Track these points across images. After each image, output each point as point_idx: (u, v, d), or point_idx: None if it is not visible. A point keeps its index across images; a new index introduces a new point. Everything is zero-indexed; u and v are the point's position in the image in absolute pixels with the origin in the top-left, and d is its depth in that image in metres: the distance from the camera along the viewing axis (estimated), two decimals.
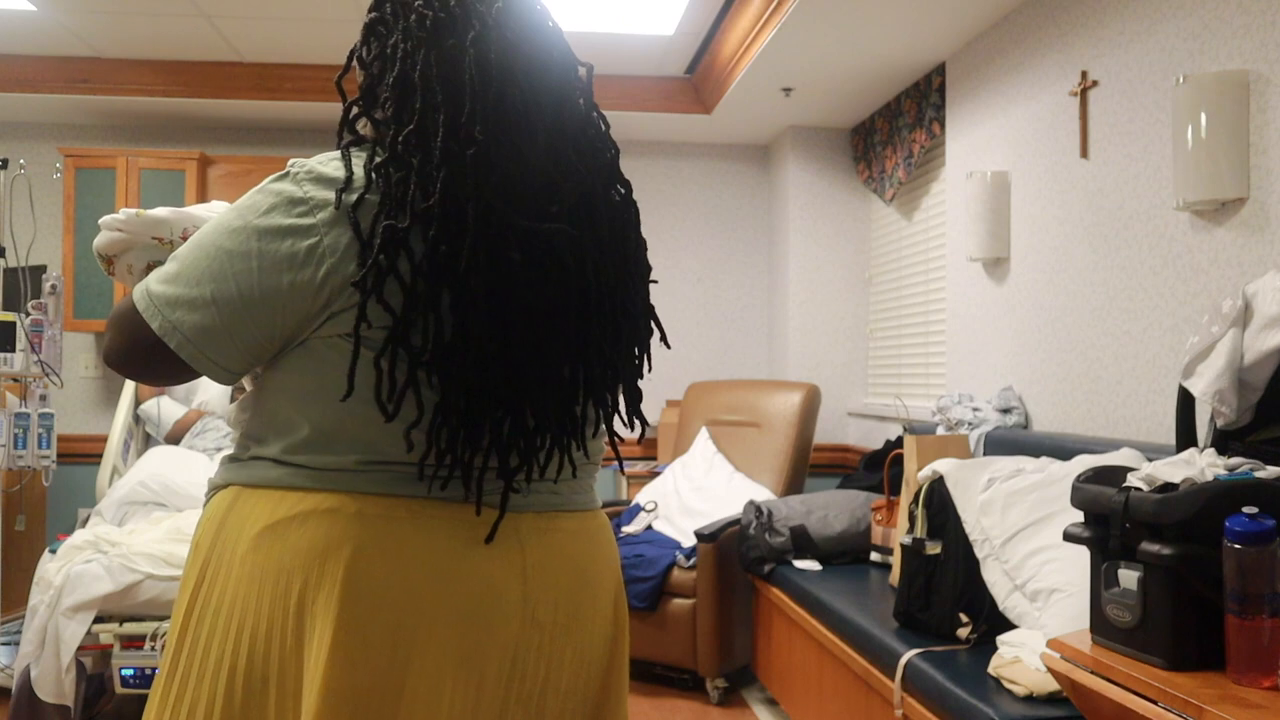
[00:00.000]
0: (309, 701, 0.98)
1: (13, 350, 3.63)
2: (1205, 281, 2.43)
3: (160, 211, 1.20)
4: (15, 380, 3.79)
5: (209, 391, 4.27)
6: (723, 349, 5.12)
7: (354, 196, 1.02)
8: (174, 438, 4.13)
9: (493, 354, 1.02)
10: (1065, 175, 3.03)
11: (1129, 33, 2.73)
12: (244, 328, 1.03)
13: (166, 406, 4.16)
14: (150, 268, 1.20)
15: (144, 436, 4.27)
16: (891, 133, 4.37)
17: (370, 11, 1.13)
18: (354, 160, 1.05)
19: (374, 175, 1.02)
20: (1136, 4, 2.70)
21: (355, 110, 1.11)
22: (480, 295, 1.00)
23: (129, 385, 4.17)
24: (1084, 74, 2.91)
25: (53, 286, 3.74)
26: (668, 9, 3.81)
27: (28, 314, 3.68)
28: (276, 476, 1.05)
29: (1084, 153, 2.92)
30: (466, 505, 1.04)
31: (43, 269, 4.03)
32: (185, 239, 1.18)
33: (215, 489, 1.12)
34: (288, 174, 1.06)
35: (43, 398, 3.71)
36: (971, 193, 3.41)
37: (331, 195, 1.02)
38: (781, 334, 4.97)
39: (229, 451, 1.14)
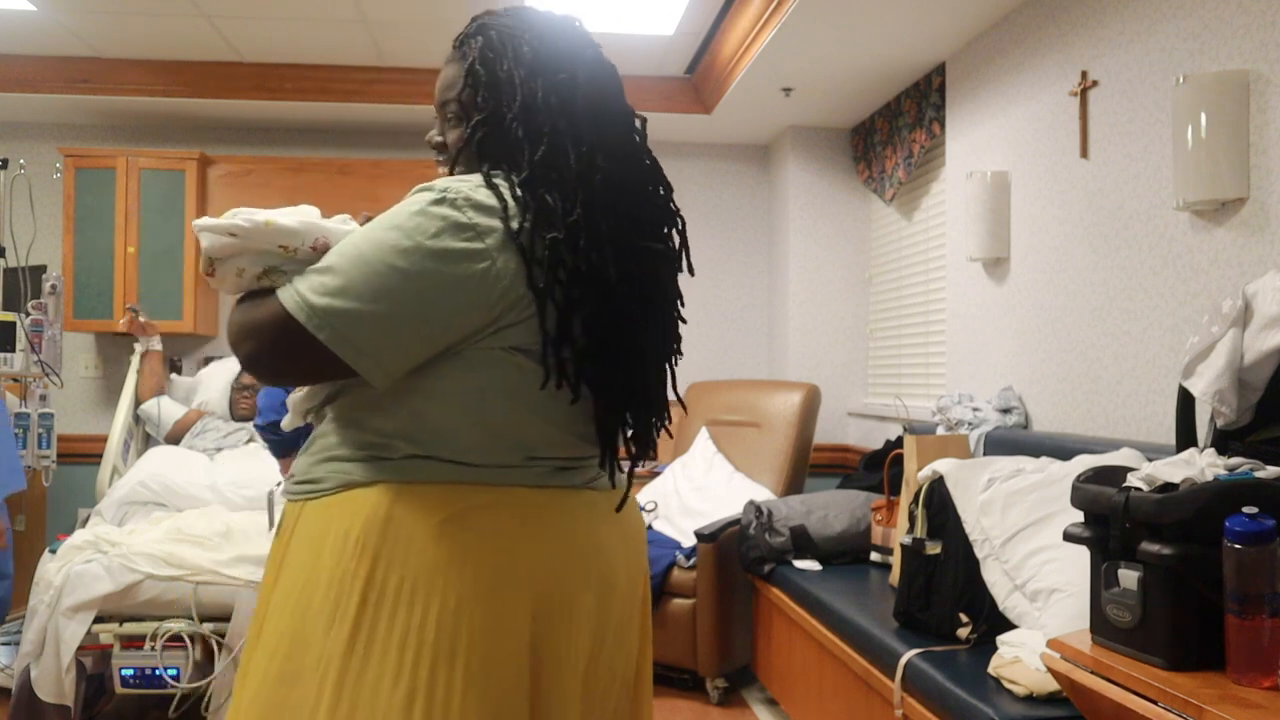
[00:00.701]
0: (515, 650, 1.13)
1: (13, 350, 3.64)
2: (1205, 281, 2.43)
3: (290, 222, 1.17)
4: (15, 380, 3.80)
5: (210, 391, 4.27)
6: (723, 349, 5.12)
7: (515, 224, 1.14)
8: (174, 438, 4.13)
9: (633, 356, 1.20)
10: (1065, 175, 3.03)
11: (1129, 33, 2.73)
12: (414, 341, 1.12)
13: (167, 407, 4.16)
14: (266, 274, 1.17)
15: (144, 436, 4.27)
16: (891, 133, 4.37)
17: (475, 36, 1.28)
18: (501, 188, 1.16)
19: (526, 200, 1.15)
20: (1136, 4, 2.70)
21: (481, 131, 1.23)
22: (624, 302, 1.18)
23: (129, 385, 4.16)
24: (1084, 74, 2.91)
25: (53, 286, 3.75)
26: (668, 9, 3.81)
27: (28, 314, 3.68)
28: (448, 473, 1.14)
29: (1084, 153, 2.92)
30: (592, 491, 1.23)
31: (43, 269, 4.03)
32: (316, 249, 1.17)
33: (347, 485, 1.16)
34: (445, 199, 1.14)
35: (43, 398, 3.71)
36: (971, 193, 3.41)
37: (495, 223, 1.13)
38: (781, 334, 4.97)
39: (344, 450, 1.18)
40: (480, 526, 1.13)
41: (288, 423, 1.32)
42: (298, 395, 1.29)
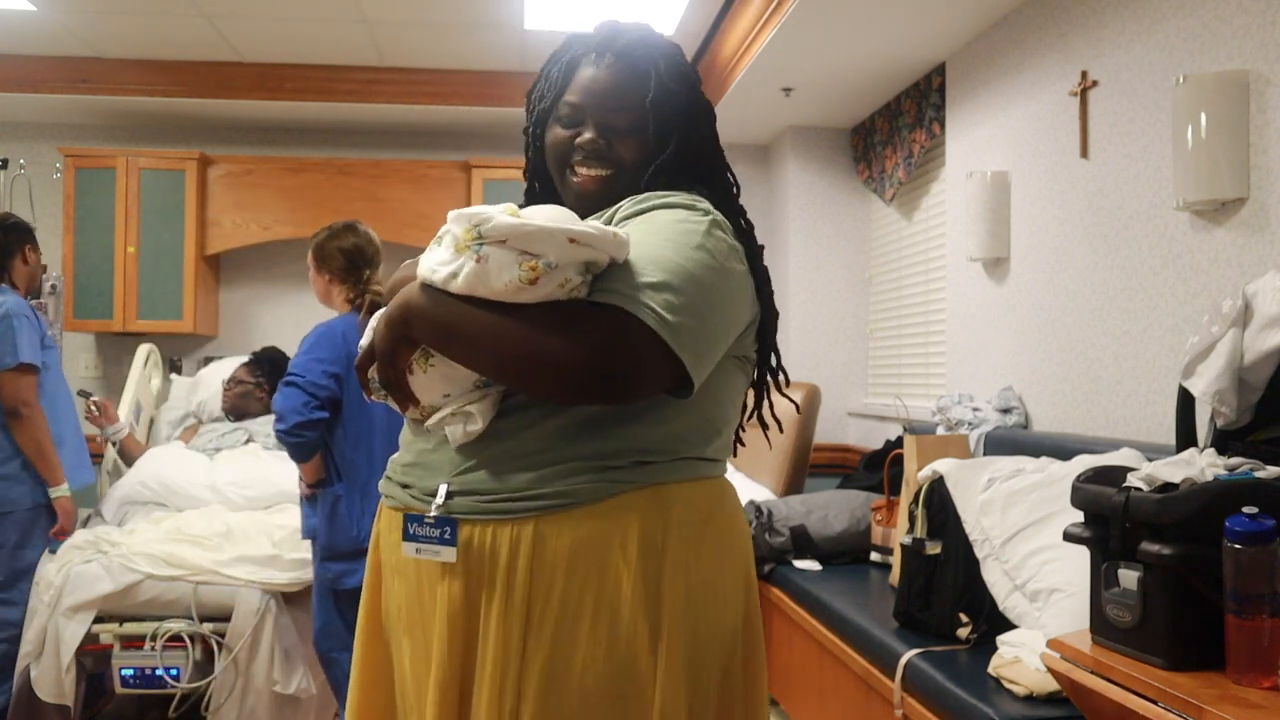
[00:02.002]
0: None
1: None
2: (1205, 281, 2.43)
3: (586, 227, 1.10)
4: None
5: (209, 391, 4.27)
6: None
7: (738, 243, 1.24)
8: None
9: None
10: (1065, 175, 3.03)
11: (1129, 33, 2.73)
12: (718, 355, 1.18)
13: (163, 455, 3.99)
14: (580, 284, 1.10)
15: (145, 436, 4.27)
16: (891, 133, 4.36)
17: (671, 82, 1.30)
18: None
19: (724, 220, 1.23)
20: (1136, 4, 2.70)
21: (718, 163, 1.36)
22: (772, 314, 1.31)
23: (130, 385, 4.16)
24: (1084, 74, 2.91)
25: (53, 286, 3.75)
26: (668, 9, 3.81)
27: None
28: (706, 470, 1.23)
29: (1084, 153, 2.92)
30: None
31: (43, 269, 4.03)
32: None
33: (612, 494, 1.14)
34: (717, 222, 1.21)
35: None
36: (971, 193, 3.41)
37: (736, 243, 1.23)
38: (782, 334, 4.95)
39: (596, 461, 1.14)
40: (737, 521, 1.26)
41: (433, 424, 1.19)
42: (445, 404, 1.17)
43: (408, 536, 1.15)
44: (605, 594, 1.12)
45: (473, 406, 1.16)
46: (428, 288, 1.12)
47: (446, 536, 1.14)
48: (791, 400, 1.46)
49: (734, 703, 1.22)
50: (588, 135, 1.27)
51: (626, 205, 1.24)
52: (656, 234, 1.14)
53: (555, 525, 1.12)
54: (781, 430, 1.39)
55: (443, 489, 1.16)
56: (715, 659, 1.19)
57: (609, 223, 1.21)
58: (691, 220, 1.18)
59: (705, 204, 1.22)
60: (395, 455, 1.31)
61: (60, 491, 3.12)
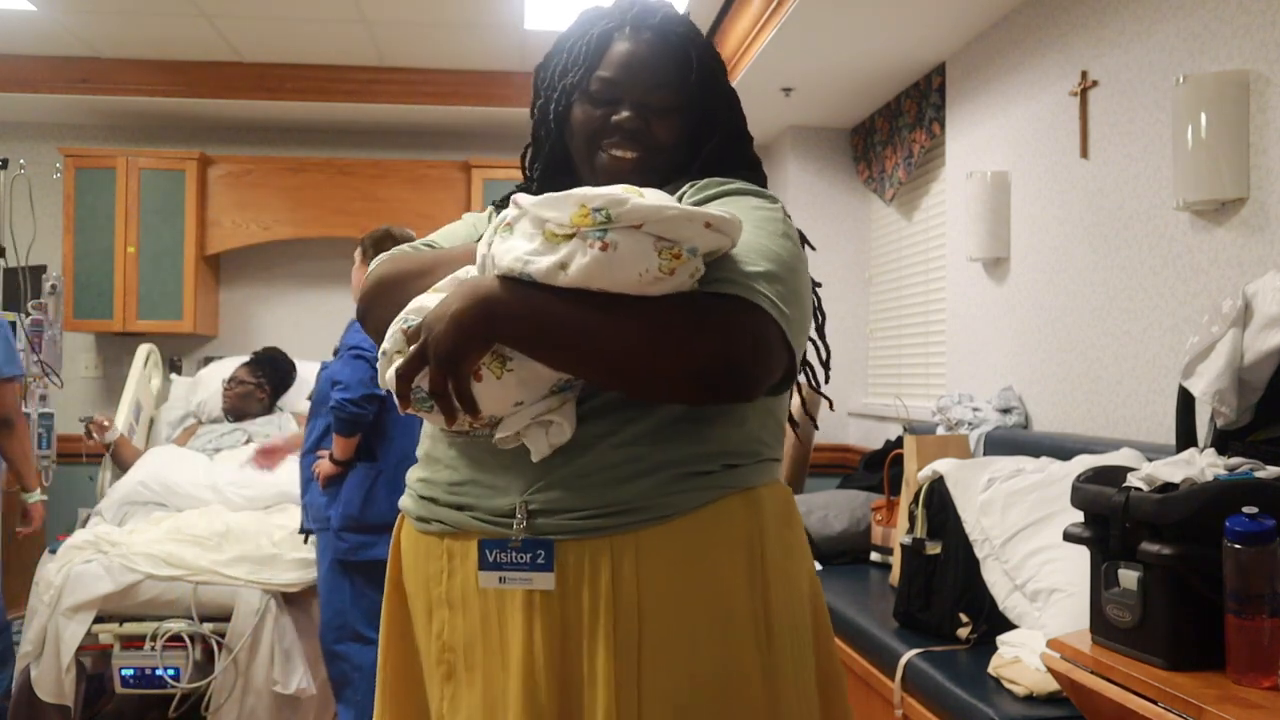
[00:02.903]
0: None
1: None
2: (1205, 281, 2.43)
3: (734, 216, 1.02)
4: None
5: (209, 391, 4.27)
6: None
7: None
8: None
9: None
10: (1065, 175, 3.03)
11: (1129, 33, 2.73)
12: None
13: (161, 455, 4.00)
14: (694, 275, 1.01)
15: (145, 436, 4.27)
16: (891, 133, 4.36)
17: (713, 63, 1.27)
18: None
19: None
20: (1136, 4, 2.70)
21: (753, 152, 1.32)
22: None
23: (130, 385, 4.16)
24: (1084, 74, 2.91)
25: (53, 286, 3.75)
26: None
27: (28, 314, 3.68)
28: (778, 471, 1.20)
29: (1084, 153, 2.92)
30: None
31: (43, 269, 4.04)
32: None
33: (720, 491, 1.09)
34: (786, 211, 1.19)
35: (43, 398, 3.71)
36: (971, 193, 3.41)
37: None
38: None
39: (688, 466, 1.07)
40: (800, 519, 1.22)
41: (507, 428, 1.06)
42: (530, 400, 1.03)
43: (487, 565, 1.05)
44: (720, 607, 1.06)
45: (555, 414, 1.04)
46: (513, 281, 0.98)
47: (541, 561, 1.03)
48: (825, 398, 1.44)
49: (829, 690, 1.19)
50: (626, 114, 1.18)
51: (688, 191, 1.17)
52: (746, 221, 1.05)
53: (658, 539, 1.05)
54: (817, 428, 1.39)
55: (520, 509, 1.05)
56: (808, 656, 1.16)
57: None
58: (768, 208, 1.14)
59: (769, 192, 1.18)
60: (424, 473, 1.17)
61: (35, 497, 3.24)
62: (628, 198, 0.95)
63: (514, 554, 1.04)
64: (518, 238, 1.00)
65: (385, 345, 1.05)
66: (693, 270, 0.97)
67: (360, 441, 2.81)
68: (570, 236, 0.95)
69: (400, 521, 1.22)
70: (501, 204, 1.25)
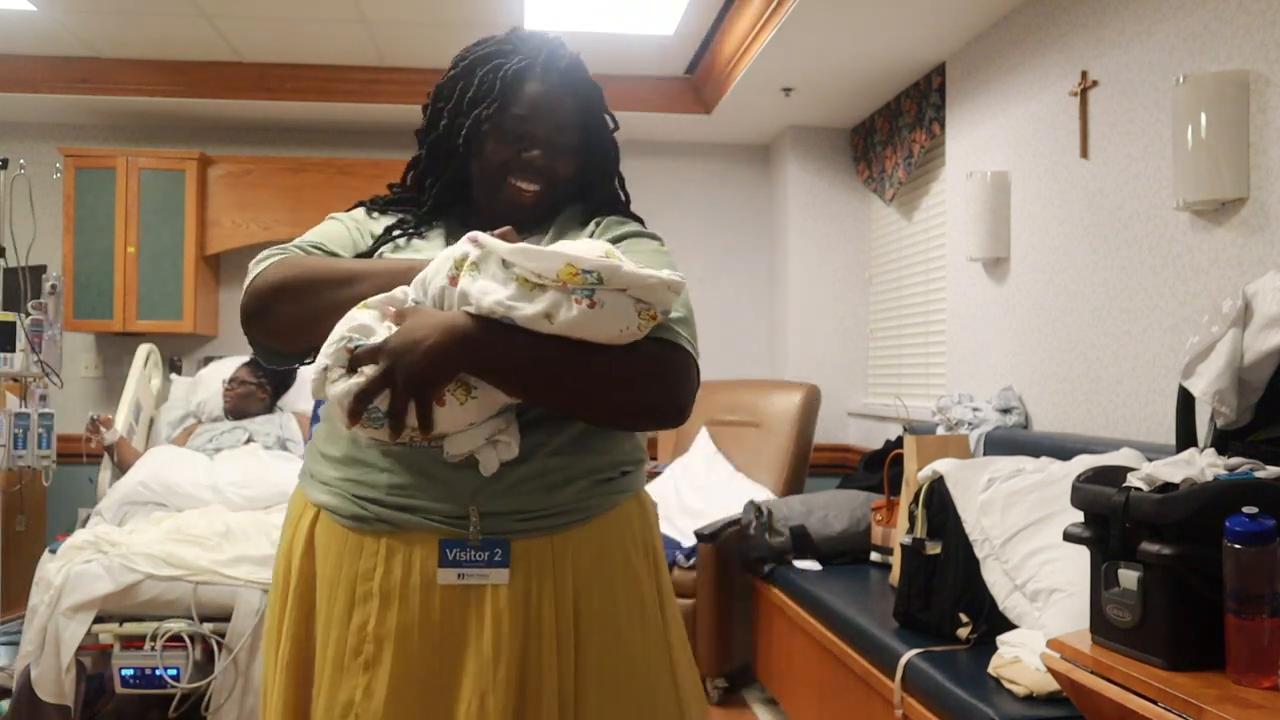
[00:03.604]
0: None
1: (13, 350, 3.63)
2: (1205, 281, 2.43)
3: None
4: (15, 380, 3.79)
5: (209, 391, 4.27)
6: (723, 349, 5.12)
7: None
8: None
9: None
10: (1065, 175, 3.03)
11: (1129, 33, 2.73)
12: None
13: (161, 455, 4.01)
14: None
15: (145, 436, 4.27)
16: (891, 133, 4.36)
17: (604, 111, 1.41)
18: None
19: None
20: (1136, 4, 2.70)
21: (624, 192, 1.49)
22: None
23: (130, 385, 4.16)
24: (1084, 74, 2.91)
25: (53, 286, 3.74)
26: (668, 9, 3.81)
27: (28, 314, 3.67)
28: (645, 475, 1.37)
29: (1084, 153, 2.92)
30: None
31: (43, 269, 4.03)
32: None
33: (622, 495, 1.28)
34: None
35: (43, 398, 3.71)
36: (971, 193, 3.41)
37: None
38: (781, 334, 4.97)
39: (600, 474, 1.25)
40: None
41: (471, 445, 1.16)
42: (486, 420, 1.14)
43: (447, 563, 1.15)
44: (634, 593, 1.25)
45: (504, 434, 1.15)
46: (488, 321, 1.08)
47: (497, 559, 1.16)
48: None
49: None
50: (536, 152, 1.31)
51: (595, 229, 1.34)
52: (653, 265, 1.17)
53: (584, 537, 1.22)
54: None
55: (473, 511, 1.16)
56: (683, 631, 1.35)
57: (560, 238, 1.31)
58: (663, 250, 1.32)
59: (652, 230, 1.37)
60: (352, 474, 1.21)
61: None
62: (619, 265, 1.07)
63: (473, 552, 1.15)
64: (487, 279, 1.10)
65: (324, 360, 1.11)
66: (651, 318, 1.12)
67: None
68: (545, 288, 1.08)
69: (313, 519, 1.25)
70: (377, 207, 1.37)
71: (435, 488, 1.17)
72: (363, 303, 1.15)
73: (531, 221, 1.33)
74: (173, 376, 4.62)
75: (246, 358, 4.24)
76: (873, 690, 2.44)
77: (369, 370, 1.08)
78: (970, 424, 3.23)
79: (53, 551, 3.16)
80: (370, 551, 1.18)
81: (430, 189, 1.35)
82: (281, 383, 4.15)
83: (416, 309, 1.13)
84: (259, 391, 4.07)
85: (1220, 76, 2.31)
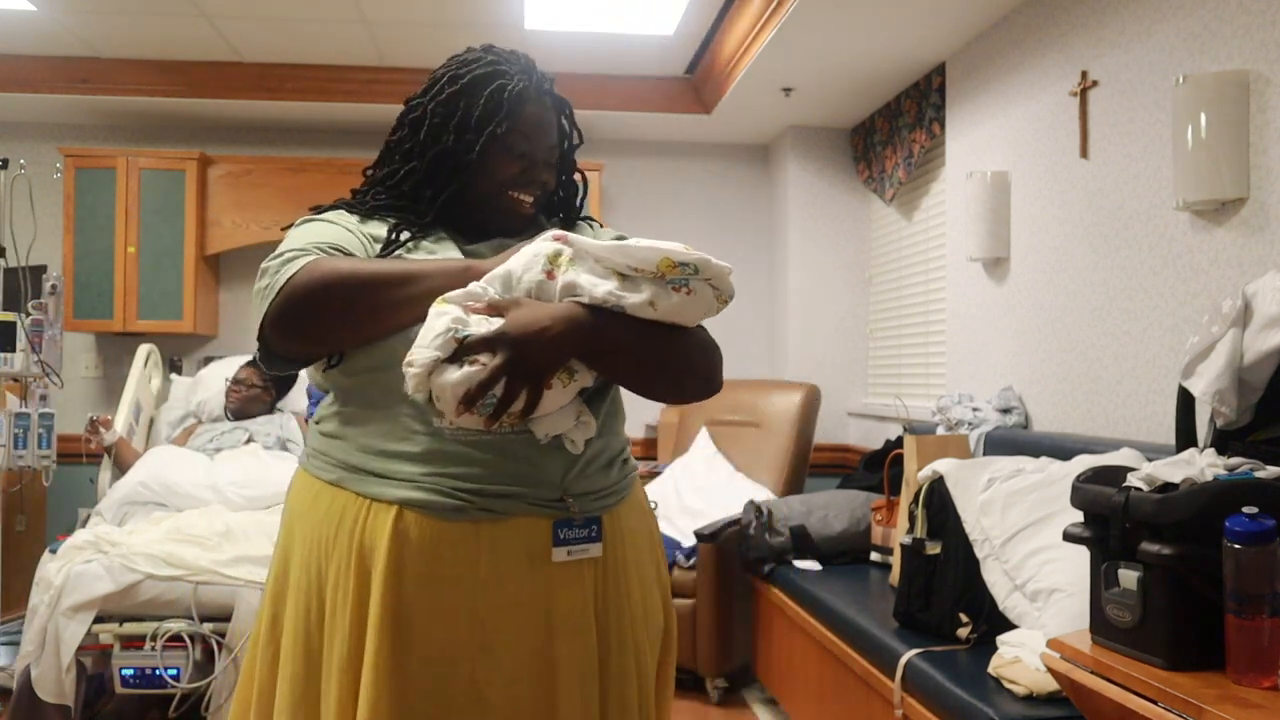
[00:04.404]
0: None
1: (13, 350, 3.63)
2: (1205, 281, 2.43)
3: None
4: (15, 380, 3.79)
5: (209, 391, 4.27)
6: (723, 349, 5.07)
7: None
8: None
9: None
10: (1065, 175, 3.03)
11: (1129, 33, 2.73)
12: None
13: (161, 456, 4.01)
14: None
15: (146, 436, 4.27)
16: (891, 133, 4.37)
17: (573, 127, 1.50)
18: None
19: None
20: (1136, 4, 2.70)
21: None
22: None
23: (130, 385, 4.16)
24: (1084, 74, 2.91)
25: (53, 286, 3.74)
26: (668, 9, 3.81)
27: (28, 314, 3.67)
28: None
29: (1084, 153, 2.92)
30: None
31: (43, 269, 4.03)
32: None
33: (635, 475, 1.43)
34: None
35: (43, 398, 3.70)
36: (971, 193, 3.41)
37: None
38: (781, 334, 4.97)
39: (627, 455, 1.41)
40: None
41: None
42: (576, 407, 1.26)
43: (559, 542, 1.26)
44: (655, 558, 1.42)
45: (585, 415, 1.27)
46: (596, 309, 1.20)
47: (594, 534, 1.29)
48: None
49: None
50: (539, 169, 1.41)
51: (604, 232, 1.48)
52: None
53: (626, 510, 1.37)
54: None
55: (566, 494, 1.28)
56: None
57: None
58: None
59: None
60: (440, 468, 1.24)
61: None
62: (709, 257, 1.22)
63: (577, 530, 1.27)
64: (586, 273, 1.22)
65: (432, 353, 1.15)
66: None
67: None
68: (639, 279, 1.21)
69: (394, 517, 1.24)
70: (362, 210, 1.38)
71: (529, 472, 1.25)
72: (441, 298, 1.19)
73: (522, 229, 1.40)
74: (173, 376, 4.62)
75: (248, 358, 4.24)
76: (873, 690, 2.44)
77: (485, 359, 1.14)
78: (970, 424, 3.23)
79: (53, 551, 3.16)
80: (470, 540, 1.23)
81: (433, 200, 1.38)
82: (284, 384, 4.16)
83: (520, 301, 1.20)
84: (264, 394, 4.08)
85: (1220, 76, 2.31)
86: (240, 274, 5.00)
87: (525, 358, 1.15)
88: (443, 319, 1.16)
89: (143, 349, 4.30)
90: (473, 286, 1.21)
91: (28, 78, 4.45)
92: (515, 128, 1.36)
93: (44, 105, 4.66)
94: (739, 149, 5.19)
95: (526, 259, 1.23)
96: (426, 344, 1.15)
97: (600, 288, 1.20)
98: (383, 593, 1.22)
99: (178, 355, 4.92)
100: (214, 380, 4.29)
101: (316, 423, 1.37)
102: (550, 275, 1.22)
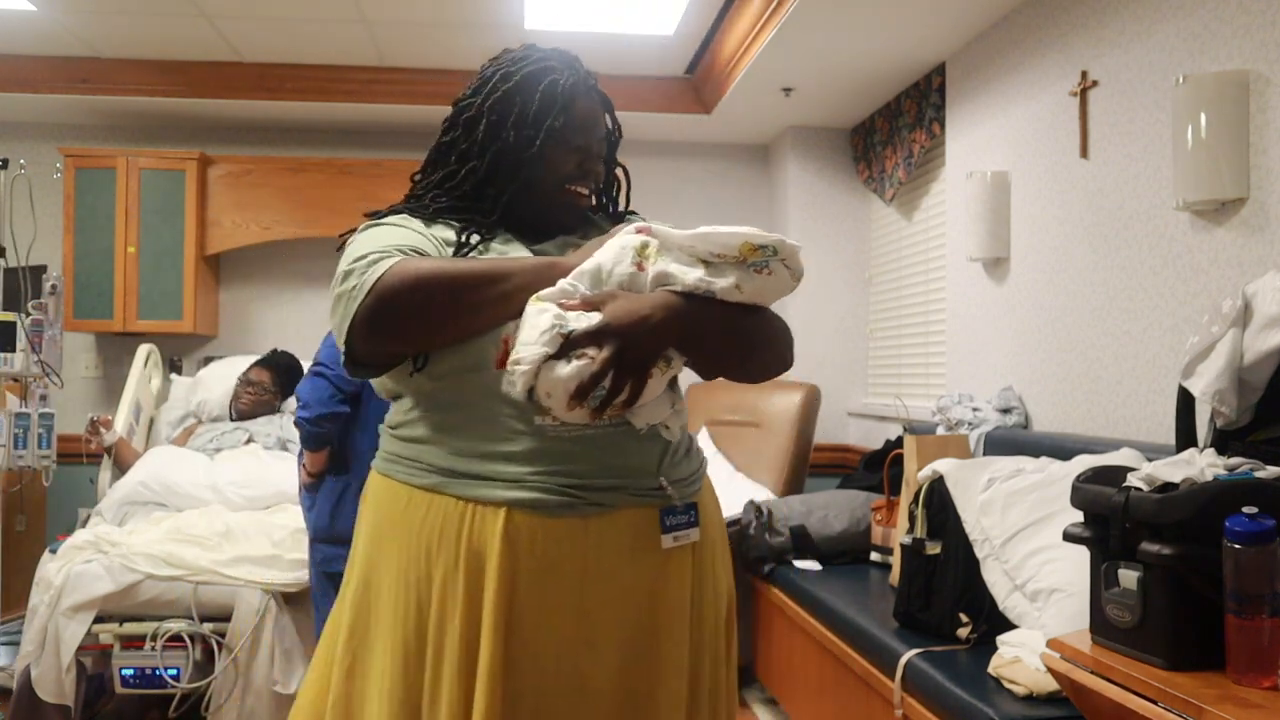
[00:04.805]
0: None
1: (13, 350, 3.63)
2: (1205, 281, 2.43)
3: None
4: (15, 380, 3.79)
5: (209, 391, 4.27)
6: None
7: None
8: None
9: None
10: (1065, 175, 3.03)
11: (1129, 33, 2.73)
12: None
13: (161, 456, 4.01)
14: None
15: (146, 436, 4.27)
16: (891, 133, 4.36)
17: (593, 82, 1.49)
18: None
19: None
20: (1136, 4, 2.70)
21: None
22: None
23: (130, 385, 4.16)
24: (1084, 74, 2.91)
25: (53, 286, 3.74)
26: (668, 9, 3.81)
27: (28, 314, 3.67)
28: None
29: (1084, 153, 2.92)
30: None
31: (43, 269, 4.02)
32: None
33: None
34: None
35: (43, 398, 3.70)
36: (971, 193, 3.41)
37: None
38: None
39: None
40: None
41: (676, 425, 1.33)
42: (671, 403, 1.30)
43: (666, 529, 1.30)
44: (725, 537, 1.45)
45: (679, 403, 1.30)
46: (689, 296, 1.22)
47: (693, 519, 1.32)
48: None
49: None
50: (593, 163, 1.43)
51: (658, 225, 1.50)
52: None
53: (704, 495, 1.40)
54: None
55: (664, 481, 1.31)
56: None
57: (592, 235, 1.41)
58: None
59: None
60: (540, 466, 1.25)
61: None
62: (784, 239, 1.24)
63: (680, 516, 1.31)
64: (675, 263, 1.24)
65: (540, 349, 1.16)
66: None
67: (335, 454, 2.80)
68: (721, 264, 1.24)
69: (504, 517, 1.24)
70: (425, 214, 1.38)
71: (628, 464, 1.28)
72: (536, 296, 1.21)
73: (575, 225, 1.43)
74: (173, 376, 4.62)
75: (249, 358, 4.24)
76: (873, 690, 2.44)
77: (591, 352, 1.16)
78: (970, 424, 3.23)
79: (53, 551, 3.16)
80: (579, 535, 1.26)
81: (497, 199, 1.38)
82: (289, 387, 4.16)
83: (614, 293, 1.22)
84: (274, 398, 4.09)
85: (1220, 76, 2.31)
86: (240, 274, 5.01)
87: (631, 348, 1.17)
88: (544, 315, 1.18)
89: (143, 349, 4.29)
90: (563, 283, 1.22)
91: (28, 78, 4.45)
92: (570, 122, 1.38)
93: (44, 105, 4.66)
94: (739, 149, 5.19)
95: (614, 252, 1.25)
96: (533, 341, 1.17)
97: (690, 275, 1.23)
98: (497, 593, 1.23)
99: (178, 355, 4.92)
100: (214, 380, 4.29)
101: (393, 429, 1.36)
102: (640, 267, 1.24)
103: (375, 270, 1.22)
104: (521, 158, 1.37)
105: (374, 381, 1.37)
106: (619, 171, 1.52)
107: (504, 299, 1.22)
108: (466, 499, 1.25)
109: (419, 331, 1.24)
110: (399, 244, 1.29)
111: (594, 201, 1.46)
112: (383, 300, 1.20)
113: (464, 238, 1.33)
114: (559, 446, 1.26)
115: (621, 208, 1.54)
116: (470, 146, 1.39)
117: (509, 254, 1.33)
